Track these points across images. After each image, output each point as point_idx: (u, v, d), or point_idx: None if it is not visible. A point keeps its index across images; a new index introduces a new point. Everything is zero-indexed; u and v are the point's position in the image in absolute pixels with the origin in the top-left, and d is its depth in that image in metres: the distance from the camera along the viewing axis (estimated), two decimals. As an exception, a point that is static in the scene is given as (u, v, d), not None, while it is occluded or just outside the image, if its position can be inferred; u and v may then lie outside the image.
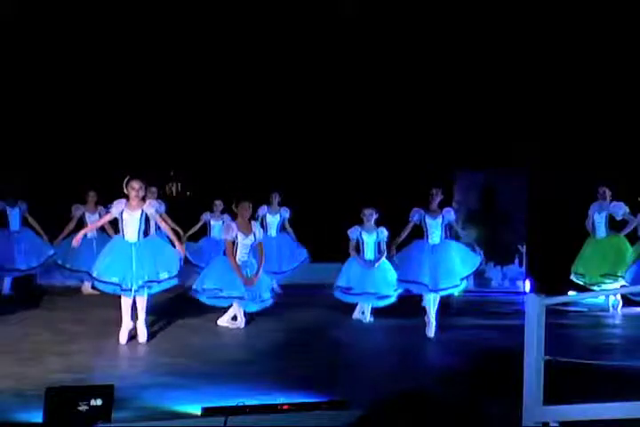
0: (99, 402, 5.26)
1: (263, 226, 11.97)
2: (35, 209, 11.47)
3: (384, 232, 9.81)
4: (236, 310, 9.27)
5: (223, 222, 11.35)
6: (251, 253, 9.34)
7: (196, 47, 12.90)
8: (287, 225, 12.08)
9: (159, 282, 8.23)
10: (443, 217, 9.15)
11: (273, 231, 12.05)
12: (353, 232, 9.85)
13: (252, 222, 9.50)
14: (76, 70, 12.73)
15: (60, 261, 11.44)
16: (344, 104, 13.37)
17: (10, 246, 11.21)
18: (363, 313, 9.89)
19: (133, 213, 8.22)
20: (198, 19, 12.69)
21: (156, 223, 11.58)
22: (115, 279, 8.07)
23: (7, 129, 12.47)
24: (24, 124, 12.79)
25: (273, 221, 12.02)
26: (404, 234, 9.33)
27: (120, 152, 12.89)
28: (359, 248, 9.85)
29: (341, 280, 9.88)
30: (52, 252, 11.32)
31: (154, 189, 11.85)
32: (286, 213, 12.03)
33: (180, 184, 14.63)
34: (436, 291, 9.05)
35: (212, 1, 12.68)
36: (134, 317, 8.29)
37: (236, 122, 13.51)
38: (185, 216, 12.16)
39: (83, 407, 5.22)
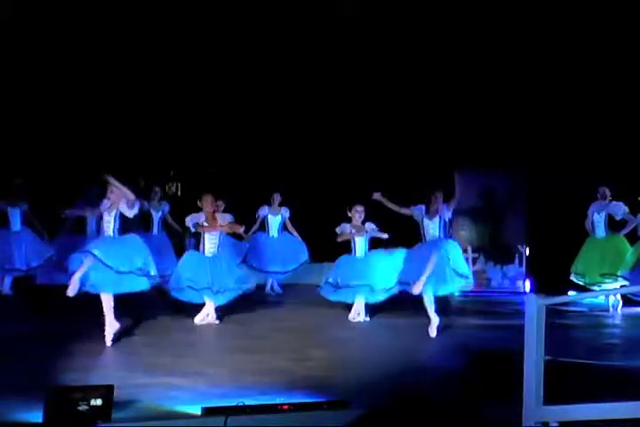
0: (99, 402, 5.26)
1: (264, 226, 12.04)
2: (36, 209, 11.47)
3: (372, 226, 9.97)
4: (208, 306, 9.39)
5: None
6: (220, 246, 9.55)
7: (196, 47, 12.88)
8: (289, 225, 12.09)
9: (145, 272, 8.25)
10: (440, 217, 9.13)
11: (274, 232, 12.08)
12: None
13: (218, 215, 9.65)
14: (78, 70, 12.72)
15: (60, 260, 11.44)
16: (344, 104, 13.35)
17: (10, 246, 11.22)
18: (358, 314, 9.89)
19: (111, 213, 8.30)
20: (198, 18, 12.67)
21: (159, 223, 11.71)
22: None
23: (8, 129, 12.46)
24: (26, 123, 12.78)
25: (274, 221, 12.06)
26: (400, 209, 9.33)
27: (120, 152, 12.89)
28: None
29: (330, 276, 10.00)
30: (51, 253, 11.32)
31: (157, 189, 11.89)
32: (287, 212, 12.06)
33: (179, 184, 14.63)
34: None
35: (212, 0, 12.67)
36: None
37: (235, 122, 13.50)
38: (185, 216, 12.14)
39: (83, 407, 5.21)
